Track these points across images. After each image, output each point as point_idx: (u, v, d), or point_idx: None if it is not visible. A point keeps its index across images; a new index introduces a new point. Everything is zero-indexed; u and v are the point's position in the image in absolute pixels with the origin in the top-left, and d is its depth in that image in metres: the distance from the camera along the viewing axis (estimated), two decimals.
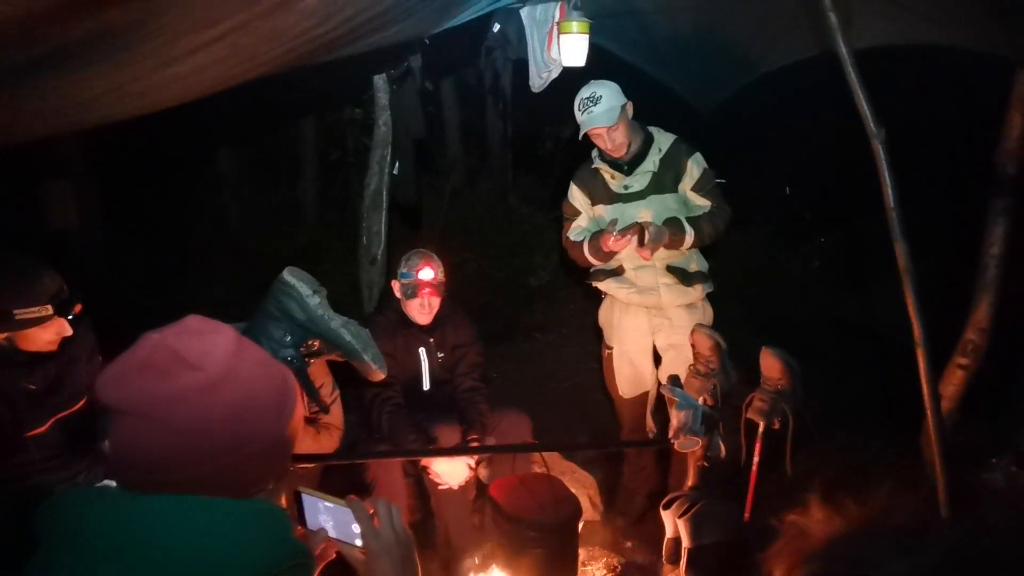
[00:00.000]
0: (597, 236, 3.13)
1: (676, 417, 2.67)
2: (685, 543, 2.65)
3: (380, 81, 4.20)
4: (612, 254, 3.13)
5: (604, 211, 3.20)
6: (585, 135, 3.02)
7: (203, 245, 5.98)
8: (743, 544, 2.55)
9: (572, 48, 2.99)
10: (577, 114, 3.03)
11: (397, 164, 4.31)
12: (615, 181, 3.15)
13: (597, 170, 3.17)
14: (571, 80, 3.33)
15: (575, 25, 2.96)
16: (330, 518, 1.22)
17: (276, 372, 1.05)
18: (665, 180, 3.11)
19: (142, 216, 5.63)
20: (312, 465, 2.91)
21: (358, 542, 1.19)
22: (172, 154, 5.35)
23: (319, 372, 3.01)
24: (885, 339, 2.92)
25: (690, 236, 3.05)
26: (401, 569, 1.18)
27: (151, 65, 1.58)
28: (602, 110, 2.94)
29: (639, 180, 3.11)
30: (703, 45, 4.02)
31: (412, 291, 3.14)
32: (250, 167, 6.61)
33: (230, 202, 6.44)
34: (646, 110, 3.12)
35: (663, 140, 3.13)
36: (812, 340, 4.48)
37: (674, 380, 2.79)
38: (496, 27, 3.65)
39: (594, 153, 3.18)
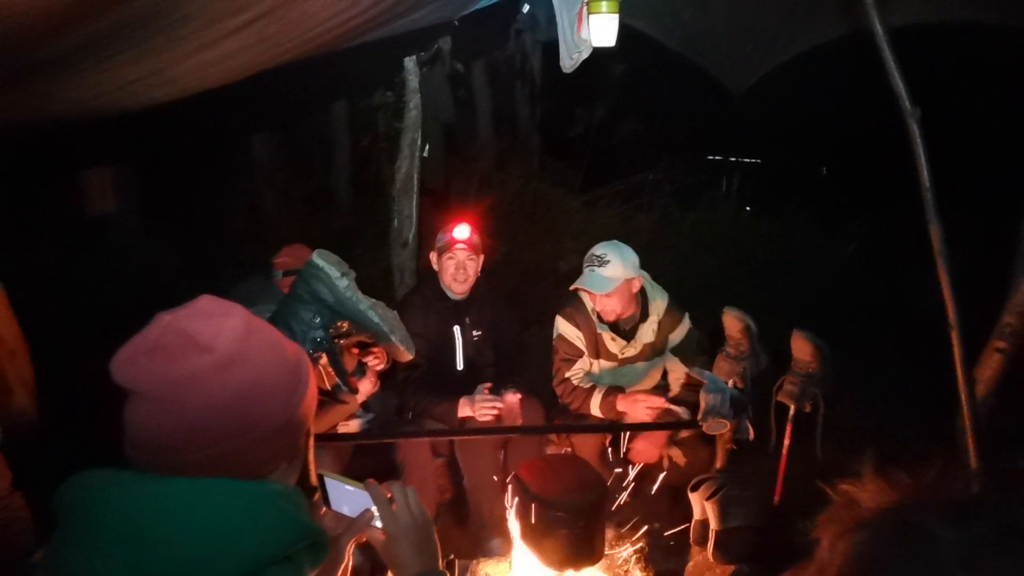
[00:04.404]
0: (615, 393, 3.06)
1: (704, 400, 2.66)
2: (713, 525, 2.65)
3: (410, 64, 4.21)
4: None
5: (598, 366, 3.21)
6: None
7: (238, 232, 6.07)
8: (771, 527, 2.54)
9: (602, 28, 2.94)
10: (584, 264, 3.02)
11: (427, 147, 4.33)
12: (614, 344, 3.14)
13: (593, 323, 3.11)
14: (602, 60, 3.28)
15: (604, 5, 2.90)
16: (352, 501, 1.28)
17: (288, 353, 1.04)
18: (657, 345, 3.19)
19: (178, 203, 5.73)
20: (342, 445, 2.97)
21: (378, 524, 1.25)
22: (207, 142, 5.42)
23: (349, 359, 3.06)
24: (921, 324, 2.87)
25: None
26: (419, 549, 1.22)
27: (180, 53, 1.61)
28: (602, 276, 2.93)
29: (636, 347, 3.15)
30: (735, 24, 3.95)
31: (446, 247, 3.13)
32: (283, 154, 6.68)
33: (264, 189, 6.52)
34: (676, 90, 3.06)
35: (659, 306, 3.14)
36: (846, 325, 4.41)
37: (703, 363, 2.78)
38: (525, 8, 3.63)
39: (589, 307, 3.11)
